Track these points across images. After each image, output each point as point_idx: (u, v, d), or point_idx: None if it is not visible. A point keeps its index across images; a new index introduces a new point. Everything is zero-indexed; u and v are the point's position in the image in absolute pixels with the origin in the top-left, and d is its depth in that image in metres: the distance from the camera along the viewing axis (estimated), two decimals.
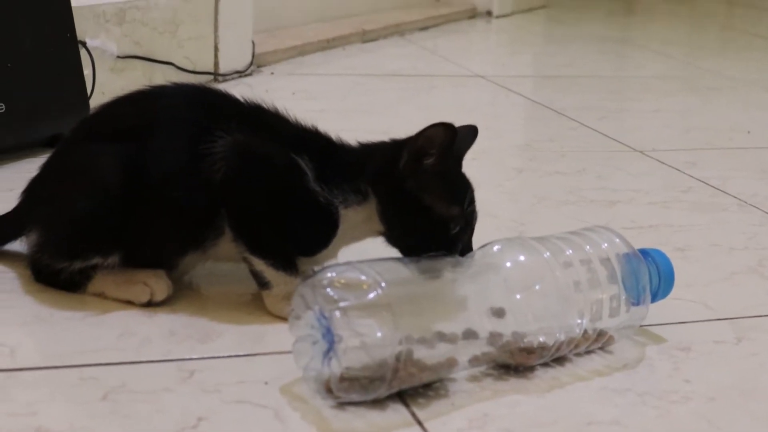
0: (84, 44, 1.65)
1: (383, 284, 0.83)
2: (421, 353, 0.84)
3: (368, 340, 0.82)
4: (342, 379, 0.82)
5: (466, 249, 1.02)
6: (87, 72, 1.62)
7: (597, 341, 0.96)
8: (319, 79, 2.29)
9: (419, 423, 0.83)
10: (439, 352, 0.86)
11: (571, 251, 0.96)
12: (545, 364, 0.94)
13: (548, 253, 0.94)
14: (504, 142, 1.82)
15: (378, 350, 0.82)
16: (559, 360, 0.95)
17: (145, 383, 0.87)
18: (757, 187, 1.62)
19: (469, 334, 0.89)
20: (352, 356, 0.82)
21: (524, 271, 0.94)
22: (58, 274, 1.02)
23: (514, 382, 0.91)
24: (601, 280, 0.95)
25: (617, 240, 1.00)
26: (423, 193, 0.99)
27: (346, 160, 1.01)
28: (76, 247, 1.01)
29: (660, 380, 0.94)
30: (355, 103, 2.09)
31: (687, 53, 3.11)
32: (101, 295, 1.03)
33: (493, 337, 0.91)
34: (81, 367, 0.89)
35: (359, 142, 1.05)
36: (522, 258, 0.95)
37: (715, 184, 1.60)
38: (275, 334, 0.98)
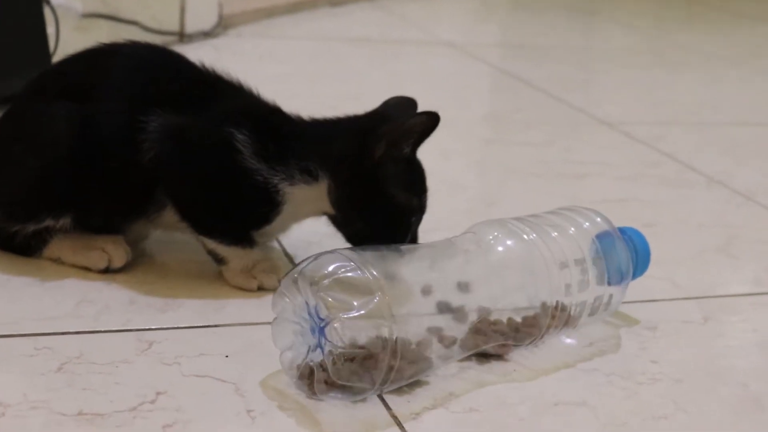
0: (48, 2, 1.60)
1: (382, 286, 0.80)
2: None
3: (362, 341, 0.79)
4: (326, 382, 0.80)
5: (413, 239, 1.00)
6: (50, 30, 1.57)
7: (567, 322, 0.95)
8: (287, 43, 2.26)
9: (381, 399, 0.82)
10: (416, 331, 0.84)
11: (556, 234, 0.94)
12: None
13: (534, 235, 0.92)
14: (472, 112, 1.80)
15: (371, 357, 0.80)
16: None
17: (103, 354, 0.84)
18: (725, 164, 1.61)
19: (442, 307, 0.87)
20: (340, 363, 0.79)
21: (514, 255, 0.92)
22: (13, 238, 1.00)
23: (483, 364, 0.89)
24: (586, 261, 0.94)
25: (598, 219, 0.98)
26: (389, 183, 0.96)
27: (296, 138, 0.97)
28: (27, 208, 0.98)
29: (627, 360, 0.93)
30: (322, 67, 2.06)
31: (655, 26, 3.10)
32: (57, 261, 1.00)
33: (459, 312, 0.89)
34: (36, 336, 0.86)
35: (313, 119, 1.01)
36: (510, 243, 0.92)
37: (683, 160, 1.60)
38: (236, 306, 0.95)
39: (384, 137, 0.94)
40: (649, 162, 1.58)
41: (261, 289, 0.99)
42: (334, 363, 0.79)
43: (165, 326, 0.90)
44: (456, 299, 0.89)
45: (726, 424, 0.84)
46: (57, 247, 1.00)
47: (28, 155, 0.98)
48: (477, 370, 0.88)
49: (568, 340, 0.95)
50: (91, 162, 0.96)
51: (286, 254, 1.09)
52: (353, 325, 0.79)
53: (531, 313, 0.92)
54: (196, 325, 0.91)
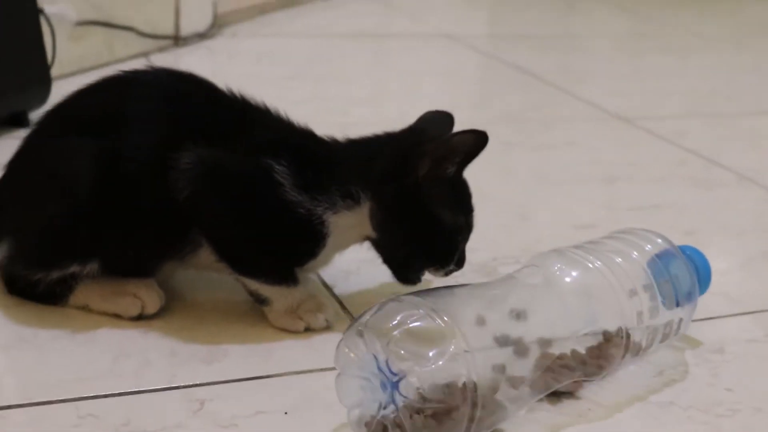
0: (42, 11, 1.52)
1: (456, 333, 0.74)
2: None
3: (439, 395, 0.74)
4: None
5: (461, 261, 0.95)
6: (46, 40, 1.50)
7: (638, 352, 0.89)
8: (284, 41, 2.18)
9: None
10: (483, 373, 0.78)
11: (620, 260, 0.89)
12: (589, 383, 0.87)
13: (599, 263, 0.87)
14: (487, 111, 1.74)
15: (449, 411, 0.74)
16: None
17: (152, 419, 0.78)
18: (750, 158, 1.57)
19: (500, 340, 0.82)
20: (419, 419, 0.73)
21: (583, 285, 0.87)
22: (36, 286, 0.93)
23: (554, 404, 0.84)
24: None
25: (659, 240, 0.93)
26: (435, 203, 0.91)
27: (334, 161, 0.91)
28: (51, 254, 0.91)
29: (701, 390, 0.88)
30: (324, 68, 1.99)
31: (647, 7, 3.04)
32: (85, 308, 0.93)
33: (519, 344, 0.84)
34: (76, 401, 0.79)
35: (348, 139, 0.95)
36: (576, 273, 0.87)
37: (708, 156, 1.55)
38: (284, 351, 0.89)
39: (428, 155, 0.89)
40: (676, 161, 1.53)
41: (308, 329, 0.93)
42: (411, 418, 0.73)
43: (213, 380, 0.84)
44: (513, 330, 0.83)
45: None
46: (84, 293, 0.93)
47: (48, 197, 0.91)
48: (550, 412, 0.83)
49: (632, 367, 0.90)
50: (119, 202, 0.89)
51: (326, 286, 1.03)
52: (430, 378, 0.74)
53: (595, 342, 0.87)
54: (246, 377, 0.85)
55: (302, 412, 0.80)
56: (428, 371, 0.74)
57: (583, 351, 0.86)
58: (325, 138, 0.95)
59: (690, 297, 0.91)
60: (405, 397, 0.73)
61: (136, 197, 0.89)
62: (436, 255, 0.93)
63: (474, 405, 0.73)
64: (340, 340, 0.77)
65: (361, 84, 1.86)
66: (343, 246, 0.96)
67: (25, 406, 0.78)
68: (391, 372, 0.74)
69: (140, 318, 0.92)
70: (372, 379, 0.75)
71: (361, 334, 0.75)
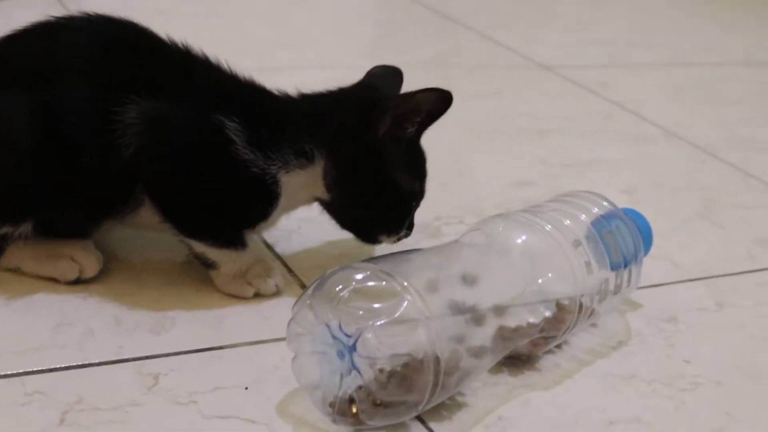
0: None
1: (411, 290, 0.71)
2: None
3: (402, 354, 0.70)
4: (374, 403, 0.70)
5: (411, 226, 0.93)
6: None
7: (590, 315, 0.88)
8: None
9: (426, 426, 0.73)
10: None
11: (569, 221, 0.87)
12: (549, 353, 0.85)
13: (549, 227, 0.84)
14: (409, 57, 1.69)
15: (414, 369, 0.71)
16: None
17: (105, 395, 0.72)
18: (675, 113, 1.57)
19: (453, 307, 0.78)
20: (384, 378, 0.70)
21: (528, 246, 0.84)
22: None
23: (516, 375, 0.82)
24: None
25: (605, 203, 0.91)
26: (392, 165, 0.87)
27: (287, 117, 0.86)
28: None
29: (661, 362, 0.87)
30: (241, 6, 1.90)
31: None
32: (17, 271, 0.86)
33: (474, 312, 0.81)
34: (21, 376, 0.73)
35: (300, 94, 0.89)
36: (523, 234, 0.84)
37: (633, 109, 1.55)
38: (235, 319, 0.85)
39: (389, 112, 0.85)
40: (603, 113, 1.52)
41: (257, 295, 0.88)
42: (377, 380, 0.70)
43: (163, 352, 0.79)
44: (467, 297, 0.80)
45: None
46: (15, 255, 0.86)
47: None
48: (512, 384, 0.81)
49: (590, 338, 0.89)
50: (56, 159, 0.82)
51: (268, 246, 0.98)
52: (387, 332, 0.70)
53: (549, 313, 0.85)
54: (197, 348, 0.80)
55: (261, 386, 0.76)
56: (383, 325, 0.70)
57: (537, 322, 0.84)
58: (276, 92, 0.89)
59: (636, 254, 0.90)
60: (366, 357, 0.70)
61: (74, 154, 0.82)
62: (390, 220, 0.90)
63: (437, 361, 0.71)
64: (290, 320, 0.73)
65: (280, 25, 1.79)
66: (293, 207, 0.91)
67: None
68: (346, 335, 0.70)
69: (77, 282, 0.86)
70: (328, 351, 0.72)
71: (310, 307, 0.72)
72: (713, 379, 0.85)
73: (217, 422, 0.71)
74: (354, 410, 0.72)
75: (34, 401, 0.71)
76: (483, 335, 0.79)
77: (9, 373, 0.73)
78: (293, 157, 0.85)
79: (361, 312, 0.70)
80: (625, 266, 0.89)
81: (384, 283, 0.71)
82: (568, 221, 0.87)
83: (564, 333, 0.85)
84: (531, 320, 0.83)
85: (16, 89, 0.82)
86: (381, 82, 0.93)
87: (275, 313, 0.86)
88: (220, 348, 0.80)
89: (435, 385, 0.71)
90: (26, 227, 0.84)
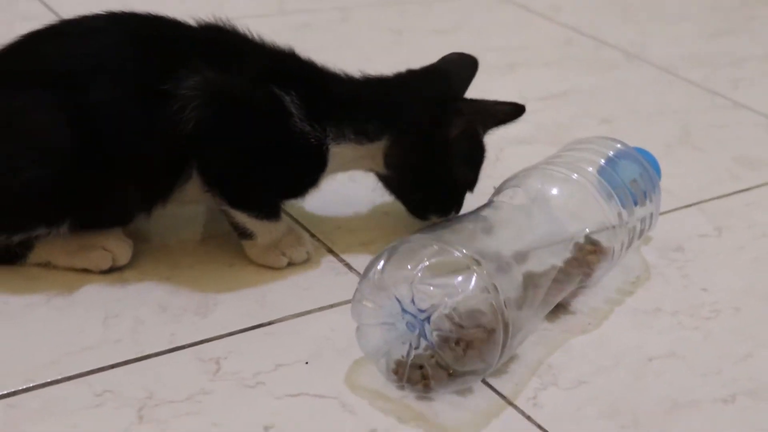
0: None
1: (479, 263, 0.73)
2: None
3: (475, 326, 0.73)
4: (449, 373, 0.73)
5: (459, 208, 0.95)
6: None
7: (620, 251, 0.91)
8: None
9: (487, 385, 0.76)
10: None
11: (591, 168, 0.89)
12: (580, 294, 0.88)
13: (585, 180, 0.87)
14: None
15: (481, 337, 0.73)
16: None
17: (174, 387, 0.73)
18: (629, 33, 1.60)
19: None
20: (459, 349, 0.72)
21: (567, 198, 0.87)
22: None
23: (553, 321, 0.85)
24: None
25: (618, 146, 0.94)
26: (455, 160, 0.90)
27: (351, 97, 0.87)
28: (17, 219, 0.82)
29: (679, 293, 0.91)
30: None
31: None
32: (47, 265, 0.85)
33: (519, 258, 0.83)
34: (85, 376, 0.74)
35: (366, 76, 0.90)
36: (565, 192, 0.87)
37: (589, 33, 1.57)
38: (276, 292, 0.86)
39: (464, 116, 0.87)
40: (562, 40, 1.55)
41: (290, 264, 0.89)
42: (452, 351, 0.73)
43: (216, 335, 0.80)
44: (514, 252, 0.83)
45: None
46: (46, 250, 0.85)
47: (16, 158, 0.80)
48: (553, 330, 0.84)
49: (610, 274, 0.92)
50: (98, 158, 0.80)
51: (291, 217, 0.98)
52: (461, 307, 0.73)
53: (568, 253, 0.88)
54: (247, 326, 0.81)
55: (319, 359, 0.78)
56: (458, 301, 0.73)
57: (560, 264, 0.87)
58: (337, 72, 0.90)
59: (655, 190, 0.94)
60: (439, 330, 0.73)
61: (118, 150, 0.81)
62: (443, 203, 0.92)
63: (506, 326, 0.74)
64: (356, 292, 0.75)
65: None
66: (339, 172, 0.92)
67: (32, 389, 0.72)
68: (420, 310, 0.73)
69: (111, 271, 0.86)
70: (397, 324, 0.74)
71: (380, 281, 0.74)
72: (731, 305, 0.90)
73: (289, 401, 0.73)
74: (425, 380, 0.74)
75: (107, 401, 0.71)
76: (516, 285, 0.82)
77: (72, 374, 0.73)
78: (352, 133, 0.87)
79: (434, 288, 0.72)
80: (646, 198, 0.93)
81: (454, 256, 0.73)
82: (599, 173, 0.89)
83: (592, 278, 0.88)
84: (553, 262, 0.86)
85: (47, 92, 0.80)
86: (453, 70, 0.94)
87: (313, 283, 0.87)
88: (270, 324, 0.82)
89: (503, 350, 0.74)
90: (63, 228, 0.83)
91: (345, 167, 0.91)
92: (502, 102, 0.88)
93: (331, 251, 0.93)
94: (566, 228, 0.87)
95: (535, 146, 1.16)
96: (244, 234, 0.87)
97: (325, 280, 0.88)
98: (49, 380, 0.73)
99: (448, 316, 0.73)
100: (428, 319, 0.73)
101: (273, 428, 0.70)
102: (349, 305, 0.84)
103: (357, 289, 0.75)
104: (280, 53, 0.88)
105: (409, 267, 0.74)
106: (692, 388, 0.79)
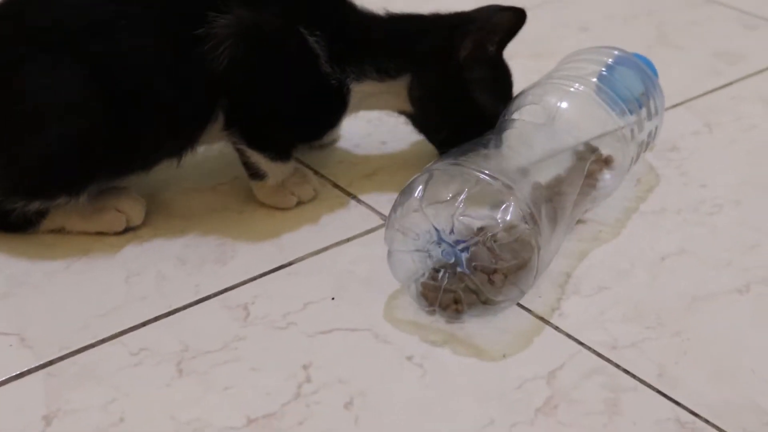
0: None
1: (516, 192, 0.74)
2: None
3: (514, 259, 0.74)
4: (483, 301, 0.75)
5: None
6: None
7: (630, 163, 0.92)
8: None
9: (526, 309, 0.78)
10: None
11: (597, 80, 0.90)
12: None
13: (600, 98, 0.88)
14: None
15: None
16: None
17: (207, 337, 0.74)
18: None
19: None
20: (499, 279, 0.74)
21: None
22: (6, 215, 0.83)
23: (573, 233, 0.87)
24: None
25: (616, 52, 0.94)
26: (476, 87, 0.89)
27: (373, 34, 0.87)
28: (42, 186, 0.81)
29: (680, 191, 0.94)
30: None
31: None
32: (60, 231, 0.85)
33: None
34: (119, 336, 0.74)
35: (389, 14, 0.90)
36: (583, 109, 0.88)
37: None
38: (290, 233, 0.87)
39: (469, 35, 0.87)
40: None
41: (299, 203, 0.90)
42: (490, 281, 0.75)
43: (239, 281, 0.80)
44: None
45: None
46: (60, 216, 0.84)
47: (49, 126, 0.79)
48: (570, 241, 0.85)
49: (608, 176, 0.94)
50: (129, 112, 0.80)
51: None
52: (500, 241, 0.75)
53: (570, 163, 0.90)
54: (269, 269, 0.82)
55: (344, 293, 0.79)
56: (498, 233, 0.74)
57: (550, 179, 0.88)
58: (360, 8, 0.90)
59: (661, 102, 0.95)
60: (478, 262, 0.74)
61: (148, 96, 0.80)
62: (470, 136, 0.92)
63: (539, 268, 0.75)
64: (390, 218, 0.76)
65: None
66: (360, 110, 0.93)
67: (68, 356, 0.72)
68: (460, 241, 0.74)
69: (126, 231, 0.86)
70: (431, 251, 0.75)
71: (418, 210, 0.75)
72: (731, 198, 0.92)
73: (323, 338, 0.75)
74: (456, 304, 0.76)
75: (145, 359, 0.72)
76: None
77: (105, 336, 0.74)
78: (375, 71, 0.87)
79: (474, 220, 0.74)
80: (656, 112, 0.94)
81: (492, 185, 0.74)
82: (607, 85, 0.90)
83: (597, 188, 0.90)
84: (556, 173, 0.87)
85: (76, 49, 0.78)
86: (478, 14, 0.92)
87: (325, 219, 0.89)
88: (290, 264, 0.83)
89: (537, 275, 0.75)
90: (83, 196, 0.83)
91: (368, 105, 0.91)
92: (498, 10, 0.87)
93: (336, 186, 0.93)
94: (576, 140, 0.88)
95: (518, 60, 1.16)
96: (256, 174, 0.88)
97: (336, 214, 0.89)
98: (83, 345, 0.74)
99: (489, 248, 0.74)
100: (466, 248, 0.75)
101: (312, 366, 0.72)
102: (366, 237, 0.86)
103: (391, 216, 0.76)
104: None
105: (448, 197, 0.75)
106: (707, 282, 0.81)
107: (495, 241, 0.74)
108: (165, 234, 0.86)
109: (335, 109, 0.87)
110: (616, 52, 0.94)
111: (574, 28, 1.26)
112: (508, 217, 0.74)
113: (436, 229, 0.74)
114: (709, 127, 1.05)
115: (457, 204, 0.74)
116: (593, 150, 0.90)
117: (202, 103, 0.82)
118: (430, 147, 0.98)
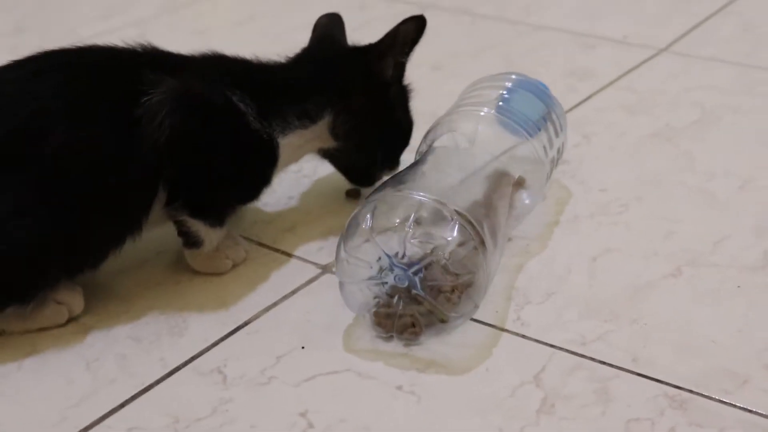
0: None
1: (461, 213, 0.78)
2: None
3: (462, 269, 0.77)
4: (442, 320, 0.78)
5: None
6: None
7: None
8: None
9: (488, 324, 0.81)
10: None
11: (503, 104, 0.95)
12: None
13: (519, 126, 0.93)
14: None
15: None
16: None
17: (194, 406, 0.73)
18: None
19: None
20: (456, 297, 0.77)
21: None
22: None
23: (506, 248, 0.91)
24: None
25: (514, 76, 1.00)
26: (399, 104, 0.93)
27: (285, 84, 0.88)
28: None
29: (584, 198, 0.99)
30: None
31: None
32: (1, 334, 0.81)
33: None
34: (103, 420, 0.72)
35: (278, 63, 0.91)
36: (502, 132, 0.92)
37: None
38: (236, 295, 0.86)
39: (387, 54, 0.90)
40: None
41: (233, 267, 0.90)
42: (447, 299, 0.77)
43: (203, 347, 0.79)
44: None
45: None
46: None
47: None
48: (503, 257, 0.89)
49: (524, 195, 0.98)
50: (70, 208, 0.78)
51: None
52: (452, 258, 0.78)
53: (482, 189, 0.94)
54: (227, 332, 0.81)
55: (312, 341, 0.80)
56: (450, 251, 0.77)
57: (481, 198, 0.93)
58: (261, 62, 0.90)
59: (564, 118, 1.00)
60: (434, 281, 0.77)
61: (90, 187, 0.78)
62: (393, 156, 0.95)
63: (487, 262, 0.78)
64: (338, 251, 0.78)
65: None
66: (289, 164, 0.93)
67: None
68: (413, 263, 0.77)
69: (68, 322, 0.83)
70: (384, 278, 0.78)
71: (367, 238, 0.77)
72: (632, 196, 0.99)
73: (308, 385, 0.75)
74: (413, 327, 0.78)
75: None
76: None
77: (88, 424, 0.71)
78: (296, 119, 0.88)
79: (422, 242, 0.77)
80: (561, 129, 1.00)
81: (434, 206, 0.77)
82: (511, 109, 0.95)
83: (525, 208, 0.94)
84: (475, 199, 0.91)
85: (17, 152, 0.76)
86: (334, 32, 0.95)
87: (263, 277, 0.88)
88: (246, 324, 0.82)
89: (486, 288, 0.79)
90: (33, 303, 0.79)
91: (295, 156, 0.92)
92: (402, 22, 0.89)
93: (262, 245, 0.94)
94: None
95: None
96: (193, 243, 0.87)
97: (272, 271, 0.89)
98: None
99: (444, 267, 0.77)
100: (420, 270, 0.77)
101: (309, 412, 0.72)
102: (309, 287, 0.87)
103: (340, 248, 0.78)
104: (210, 57, 0.88)
105: (396, 222, 0.78)
106: (641, 273, 0.87)
107: (448, 259, 0.77)
108: (109, 317, 0.84)
109: (269, 165, 0.88)
110: (513, 76, 1.00)
111: (426, 68, 1.31)
112: (456, 235, 0.77)
113: (388, 256, 0.77)
114: (586, 138, 1.12)
115: (406, 228, 0.77)
116: (506, 174, 0.94)
117: (147, 182, 0.81)
118: (336, 194, 1.01)
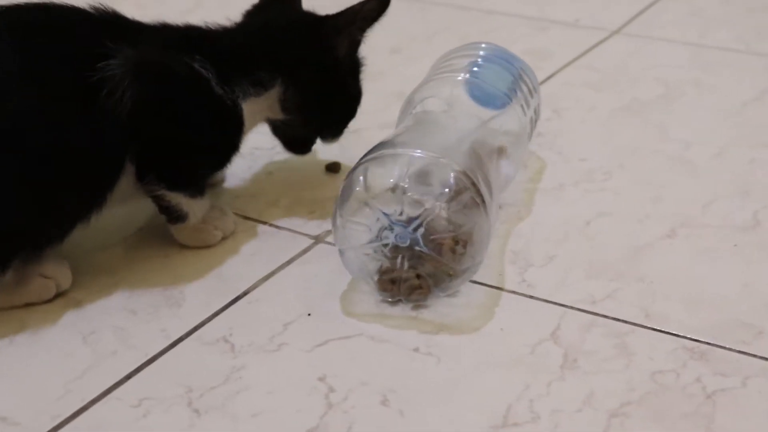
0: None
1: (454, 164, 0.76)
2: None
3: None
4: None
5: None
6: None
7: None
8: None
9: (491, 286, 0.80)
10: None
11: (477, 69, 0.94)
12: None
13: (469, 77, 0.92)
14: None
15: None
16: None
17: (206, 375, 0.70)
18: None
19: None
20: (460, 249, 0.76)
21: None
22: None
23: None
24: None
25: (484, 45, 0.99)
26: (349, 78, 0.90)
27: (240, 50, 0.85)
28: None
29: (567, 168, 0.99)
30: None
31: None
32: None
33: None
34: (111, 391, 0.68)
35: (227, 27, 0.87)
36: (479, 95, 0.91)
37: None
38: (230, 266, 0.84)
39: (344, 31, 0.87)
40: None
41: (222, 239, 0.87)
42: (451, 250, 0.76)
43: (205, 317, 0.76)
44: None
45: None
46: None
47: None
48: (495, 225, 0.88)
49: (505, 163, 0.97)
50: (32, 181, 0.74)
51: None
52: (451, 210, 0.77)
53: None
54: (228, 301, 0.78)
55: (317, 307, 0.78)
56: (447, 202, 0.76)
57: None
58: (213, 28, 0.87)
59: (535, 80, 1.00)
60: (436, 235, 0.75)
61: (50, 160, 0.74)
62: (340, 125, 0.92)
63: (488, 210, 0.77)
64: (335, 218, 0.76)
65: None
66: (249, 131, 0.89)
67: (63, 424, 0.66)
68: (413, 218, 0.75)
69: (56, 297, 0.79)
70: (384, 239, 0.76)
71: (363, 200, 0.76)
72: (614, 164, 1.00)
73: (322, 351, 0.73)
74: (420, 288, 0.76)
75: (151, 408, 0.67)
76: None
77: (95, 396, 0.68)
78: (251, 86, 0.84)
79: (419, 197, 0.75)
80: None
81: (425, 160, 0.76)
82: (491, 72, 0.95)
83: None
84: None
85: None
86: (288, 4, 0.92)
87: (255, 249, 0.86)
88: (246, 293, 0.80)
89: (488, 239, 0.77)
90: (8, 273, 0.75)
91: (254, 124, 0.89)
92: (364, 1, 0.87)
93: (248, 218, 0.91)
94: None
95: None
96: (177, 218, 0.84)
97: (263, 243, 0.87)
98: (75, 410, 0.67)
99: (446, 219, 0.75)
100: (421, 225, 0.75)
101: (327, 377, 0.70)
102: (304, 257, 0.85)
103: (336, 215, 0.76)
104: (164, 25, 0.85)
105: (391, 182, 0.76)
106: (638, 235, 0.87)
107: (447, 209, 0.76)
108: (100, 291, 0.80)
109: (236, 131, 0.84)
110: (483, 45, 0.99)
111: (385, 52, 1.30)
112: (453, 183, 0.76)
113: (386, 215, 0.75)
114: (557, 113, 1.12)
115: (402, 185, 0.75)
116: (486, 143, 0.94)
117: (113, 155, 0.78)
118: (314, 167, 0.99)
